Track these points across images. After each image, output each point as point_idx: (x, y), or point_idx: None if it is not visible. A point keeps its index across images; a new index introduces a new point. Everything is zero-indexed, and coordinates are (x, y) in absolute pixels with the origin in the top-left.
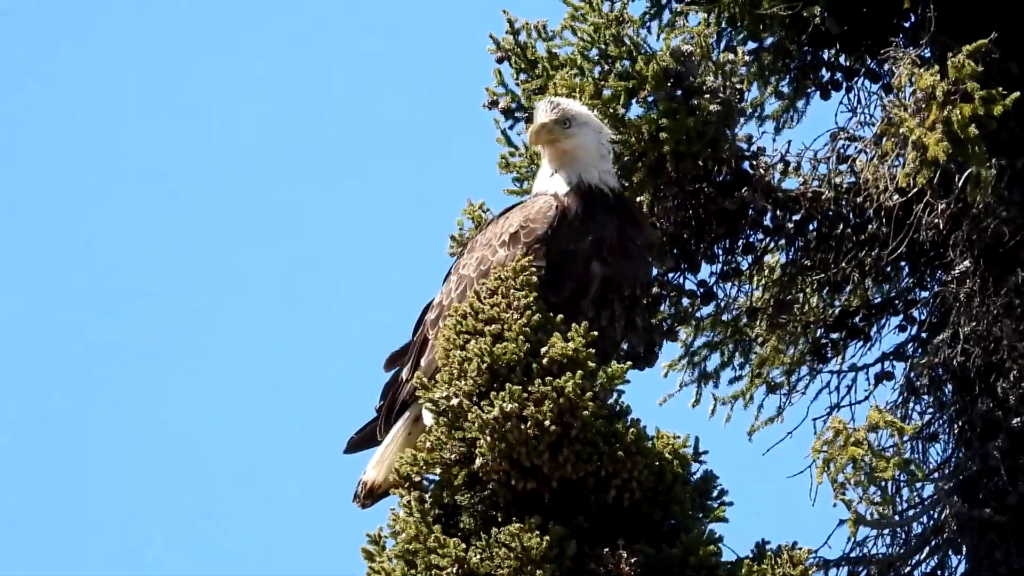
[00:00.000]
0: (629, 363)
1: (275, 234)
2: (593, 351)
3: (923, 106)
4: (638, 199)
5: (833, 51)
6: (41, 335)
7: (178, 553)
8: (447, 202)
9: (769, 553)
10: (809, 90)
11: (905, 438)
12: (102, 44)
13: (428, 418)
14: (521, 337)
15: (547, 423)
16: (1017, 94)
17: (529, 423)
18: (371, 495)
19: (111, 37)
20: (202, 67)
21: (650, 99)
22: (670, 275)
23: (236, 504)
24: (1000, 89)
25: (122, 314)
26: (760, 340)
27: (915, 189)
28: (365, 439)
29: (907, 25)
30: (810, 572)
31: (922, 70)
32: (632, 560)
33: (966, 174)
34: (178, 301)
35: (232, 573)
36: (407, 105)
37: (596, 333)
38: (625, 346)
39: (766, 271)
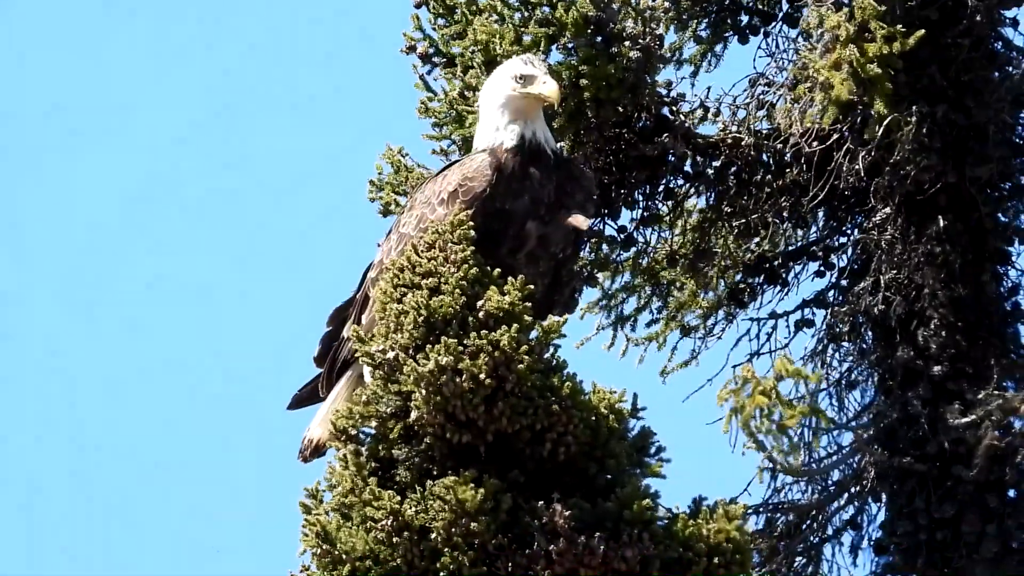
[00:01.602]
0: (565, 316)
1: (195, 189)
2: (529, 305)
3: (830, 47)
4: (558, 145)
5: None
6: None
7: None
8: (367, 147)
9: (705, 508)
10: (727, 34)
11: (812, 387)
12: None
13: (368, 371)
14: (457, 291)
15: (482, 376)
16: (922, 32)
17: (464, 376)
18: (316, 452)
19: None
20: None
21: (570, 46)
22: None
23: (186, 457)
24: (900, 27)
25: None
26: (678, 285)
27: (835, 136)
28: (309, 395)
29: None
30: (745, 526)
31: (831, 12)
32: (567, 513)
33: (885, 120)
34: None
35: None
36: (325, 51)
37: (532, 286)
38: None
39: (686, 216)
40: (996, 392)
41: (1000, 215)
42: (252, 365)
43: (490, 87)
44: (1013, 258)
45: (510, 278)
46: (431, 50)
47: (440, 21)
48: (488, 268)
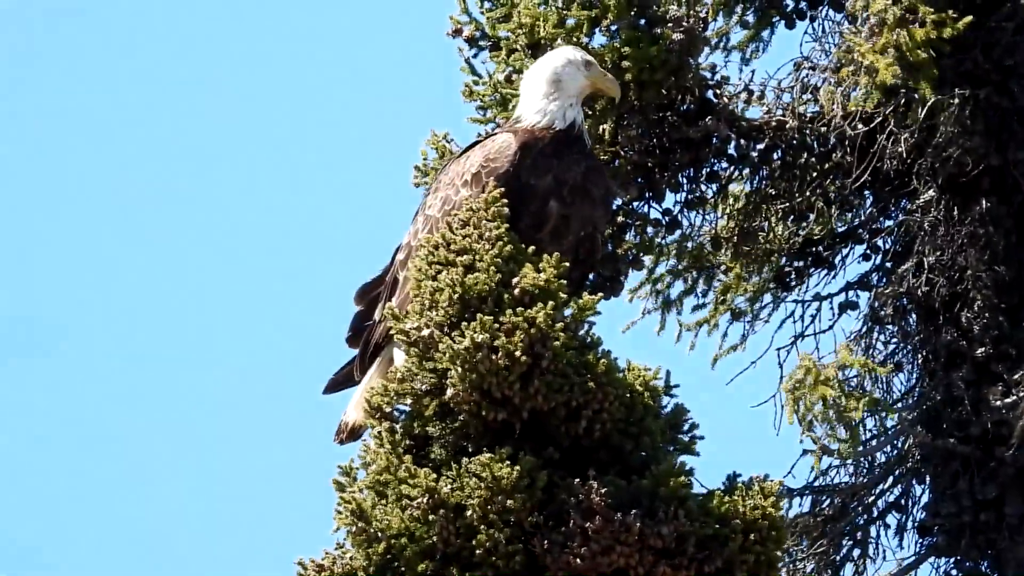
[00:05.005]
0: (600, 295)
1: (242, 164)
2: (564, 282)
3: (876, 31)
4: (601, 127)
5: None
6: None
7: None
8: (411, 132)
9: (740, 485)
10: (774, 20)
11: (880, 377)
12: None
13: (399, 357)
14: (492, 268)
15: (518, 353)
16: (970, 18)
17: (500, 353)
18: (352, 434)
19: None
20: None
21: (613, 28)
22: (635, 204)
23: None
24: (951, 12)
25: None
26: (724, 268)
27: (879, 119)
28: (344, 379)
29: None
30: (780, 503)
31: None
32: (603, 491)
33: (927, 104)
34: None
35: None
36: (370, 35)
37: (567, 264)
38: (591, 275)
39: (731, 200)
40: None
41: None
42: (288, 350)
43: (550, 65)
44: None
45: (545, 255)
46: (477, 33)
47: (486, 4)
48: (523, 246)
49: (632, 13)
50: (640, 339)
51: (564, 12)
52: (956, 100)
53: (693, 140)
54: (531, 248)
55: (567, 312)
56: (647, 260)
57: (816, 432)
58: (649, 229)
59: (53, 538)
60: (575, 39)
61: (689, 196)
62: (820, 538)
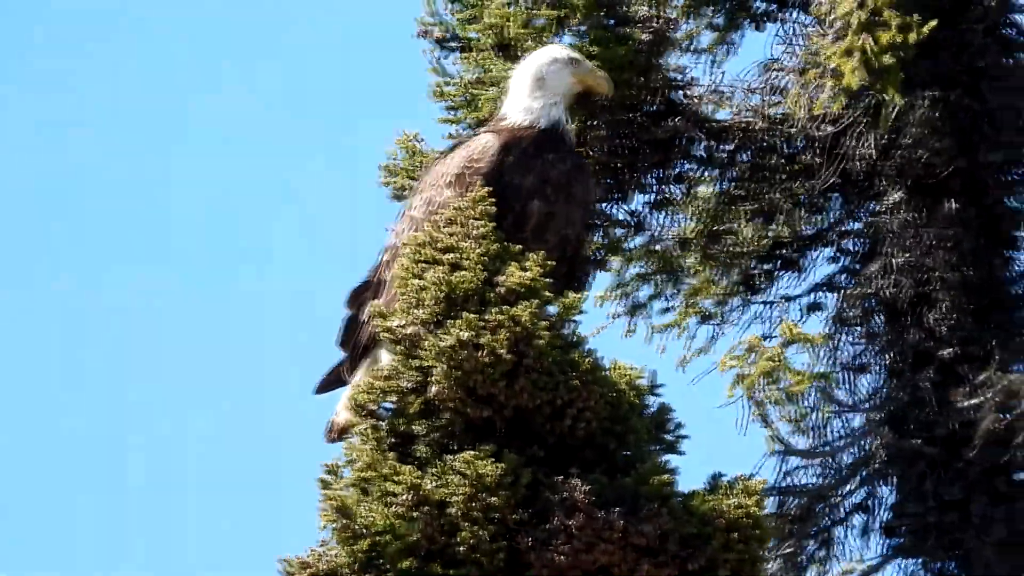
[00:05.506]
0: (585, 293)
1: (236, 163)
2: (549, 281)
3: (842, 34)
4: (568, 127)
5: None
6: None
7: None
8: (378, 133)
9: (724, 484)
10: (742, 22)
11: (817, 348)
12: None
13: (385, 357)
14: (478, 266)
15: (502, 351)
16: (935, 21)
17: (484, 351)
18: (342, 434)
19: None
20: None
21: (581, 28)
22: (601, 204)
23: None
24: (916, 17)
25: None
26: (691, 271)
27: (847, 121)
28: (335, 379)
29: None
30: (763, 502)
31: None
32: (586, 488)
33: (896, 109)
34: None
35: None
36: (337, 35)
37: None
38: None
39: (698, 201)
40: (999, 374)
41: (1010, 200)
42: (280, 351)
43: (535, 64)
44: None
45: (531, 254)
46: (446, 35)
47: (454, 5)
48: (508, 244)
49: (600, 13)
50: (606, 342)
51: (532, 12)
52: (926, 102)
53: (660, 141)
54: (518, 247)
55: (552, 310)
56: (613, 262)
57: (767, 412)
58: (616, 230)
59: (52, 538)
60: (543, 39)
61: (656, 197)
62: (786, 539)
